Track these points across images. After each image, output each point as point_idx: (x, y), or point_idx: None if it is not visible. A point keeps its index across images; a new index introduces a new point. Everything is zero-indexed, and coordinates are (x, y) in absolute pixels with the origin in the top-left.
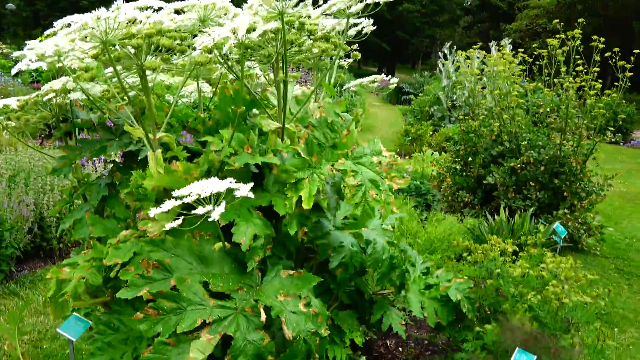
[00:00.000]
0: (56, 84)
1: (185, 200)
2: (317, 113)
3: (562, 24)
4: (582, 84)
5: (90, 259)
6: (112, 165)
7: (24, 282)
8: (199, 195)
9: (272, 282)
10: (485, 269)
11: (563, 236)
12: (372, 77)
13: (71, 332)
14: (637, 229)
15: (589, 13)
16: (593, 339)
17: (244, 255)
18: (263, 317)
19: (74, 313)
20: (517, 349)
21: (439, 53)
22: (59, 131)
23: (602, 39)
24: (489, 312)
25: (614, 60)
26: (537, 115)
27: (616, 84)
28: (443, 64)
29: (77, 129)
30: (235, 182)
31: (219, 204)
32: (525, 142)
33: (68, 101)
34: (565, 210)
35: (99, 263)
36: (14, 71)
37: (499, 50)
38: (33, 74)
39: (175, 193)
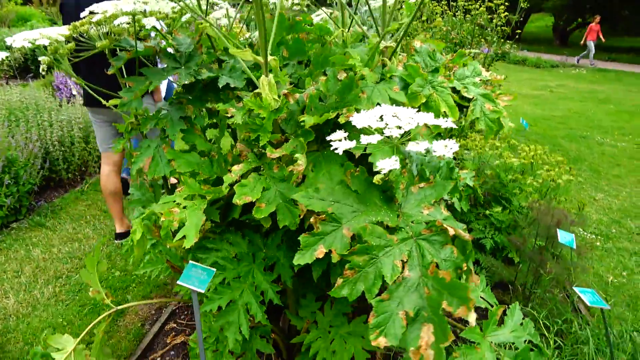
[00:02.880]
0: (109, 7)
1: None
2: (418, 42)
3: None
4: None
5: (189, 196)
6: (178, 97)
7: (46, 212)
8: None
9: (410, 201)
10: (483, 160)
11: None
12: None
13: (195, 282)
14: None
15: None
16: (575, 207)
17: (386, 186)
18: (452, 232)
19: (191, 261)
20: (558, 230)
21: None
22: (119, 60)
23: None
24: (488, 196)
25: None
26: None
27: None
28: None
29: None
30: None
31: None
32: None
33: (126, 28)
34: None
35: (204, 201)
36: None
37: None
38: None
39: (356, 121)
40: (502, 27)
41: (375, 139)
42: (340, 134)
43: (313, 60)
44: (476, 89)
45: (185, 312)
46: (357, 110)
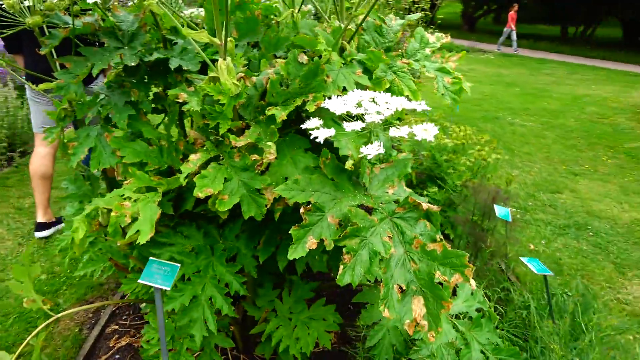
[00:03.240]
0: None
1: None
2: (361, 17)
3: None
4: None
5: (138, 189)
6: (119, 81)
7: None
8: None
9: (374, 183)
10: (417, 143)
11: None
12: None
13: (157, 280)
14: None
15: None
16: (502, 182)
17: (353, 171)
18: (425, 207)
19: (152, 258)
20: (494, 205)
21: None
22: (53, 38)
23: None
24: (423, 176)
25: None
26: None
27: None
28: None
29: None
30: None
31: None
32: None
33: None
34: None
35: (157, 194)
36: None
37: None
38: None
39: (333, 108)
40: (425, 12)
41: (358, 125)
42: (315, 121)
43: (264, 42)
44: (433, 65)
45: (127, 312)
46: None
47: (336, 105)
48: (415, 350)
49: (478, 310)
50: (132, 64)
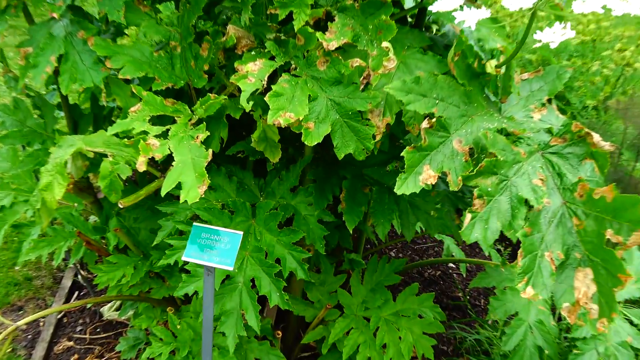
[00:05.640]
0: None
1: None
2: None
3: None
4: None
5: (148, 117)
6: None
7: None
8: None
9: (512, 100)
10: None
11: None
12: None
13: (212, 256)
14: None
15: None
16: None
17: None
18: (596, 139)
19: (196, 223)
20: None
21: None
22: None
23: None
24: None
25: None
26: None
27: None
28: None
29: None
30: None
31: None
32: None
33: None
34: None
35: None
36: None
37: None
38: None
39: None
40: None
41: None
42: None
43: None
44: None
45: (81, 321)
46: None
47: None
48: (576, 354)
49: None
50: None
